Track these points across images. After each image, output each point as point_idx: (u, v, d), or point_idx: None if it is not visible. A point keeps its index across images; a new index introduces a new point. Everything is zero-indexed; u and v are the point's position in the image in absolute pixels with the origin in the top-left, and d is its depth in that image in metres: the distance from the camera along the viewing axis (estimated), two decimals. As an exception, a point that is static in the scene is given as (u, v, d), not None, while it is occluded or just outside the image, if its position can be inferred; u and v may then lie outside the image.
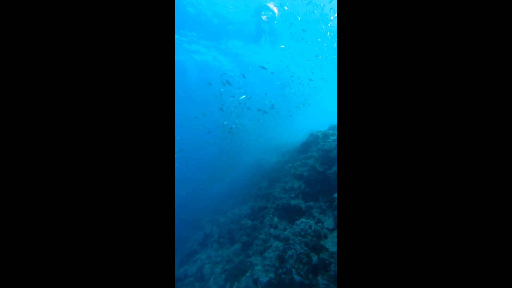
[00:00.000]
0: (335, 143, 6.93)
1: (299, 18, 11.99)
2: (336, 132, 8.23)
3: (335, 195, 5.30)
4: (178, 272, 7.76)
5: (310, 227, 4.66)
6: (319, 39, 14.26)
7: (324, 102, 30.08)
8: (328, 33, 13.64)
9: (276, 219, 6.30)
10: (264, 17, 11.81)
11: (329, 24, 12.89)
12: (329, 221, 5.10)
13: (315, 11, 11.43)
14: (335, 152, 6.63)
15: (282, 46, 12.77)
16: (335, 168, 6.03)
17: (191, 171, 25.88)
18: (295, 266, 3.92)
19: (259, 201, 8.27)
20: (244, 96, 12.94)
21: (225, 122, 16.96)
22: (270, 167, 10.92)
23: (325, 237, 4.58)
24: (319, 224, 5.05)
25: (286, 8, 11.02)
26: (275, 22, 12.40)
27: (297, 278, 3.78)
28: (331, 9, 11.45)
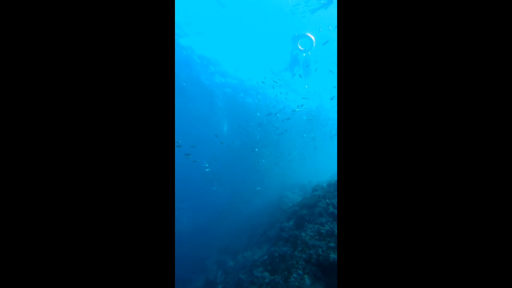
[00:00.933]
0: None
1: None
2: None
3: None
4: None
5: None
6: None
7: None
8: None
9: (308, 280, 4.25)
10: (301, 47, 11.37)
11: None
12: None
13: None
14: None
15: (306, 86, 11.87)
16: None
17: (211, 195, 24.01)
18: None
19: (282, 245, 6.21)
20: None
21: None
22: (297, 203, 8.91)
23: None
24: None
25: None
26: (309, 53, 11.86)
27: None
28: None
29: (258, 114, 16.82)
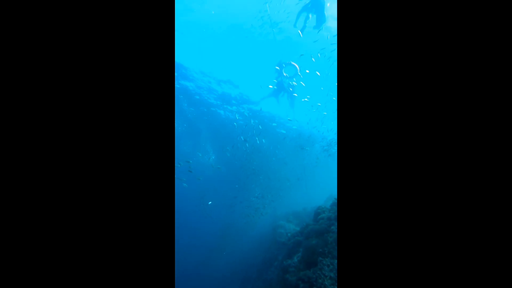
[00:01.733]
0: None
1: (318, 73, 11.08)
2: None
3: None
4: None
5: None
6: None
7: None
8: None
9: None
10: (285, 74, 11.17)
11: None
12: None
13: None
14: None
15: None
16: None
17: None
18: None
19: (290, 296, 4.42)
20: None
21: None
22: (298, 232, 7.24)
23: None
24: None
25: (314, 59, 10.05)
26: (294, 79, 11.62)
27: None
28: None
29: (242, 137, 15.82)
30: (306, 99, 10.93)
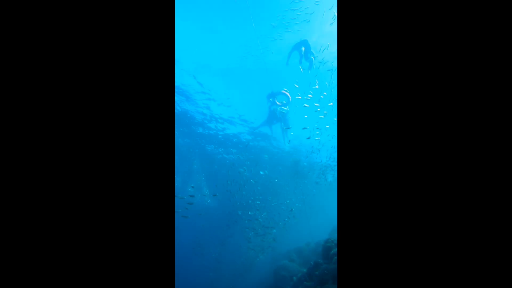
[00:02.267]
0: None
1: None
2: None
3: None
4: None
5: None
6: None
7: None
8: None
9: None
10: (278, 103, 11.23)
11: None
12: None
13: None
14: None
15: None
16: None
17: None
18: None
19: None
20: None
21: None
22: (305, 275, 5.81)
23: None
24: None
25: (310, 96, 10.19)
26: (286, 108, 11.55)
27: None
28: None
29: (240, 170, 14.91)
30: (318, 110, 10.51)
